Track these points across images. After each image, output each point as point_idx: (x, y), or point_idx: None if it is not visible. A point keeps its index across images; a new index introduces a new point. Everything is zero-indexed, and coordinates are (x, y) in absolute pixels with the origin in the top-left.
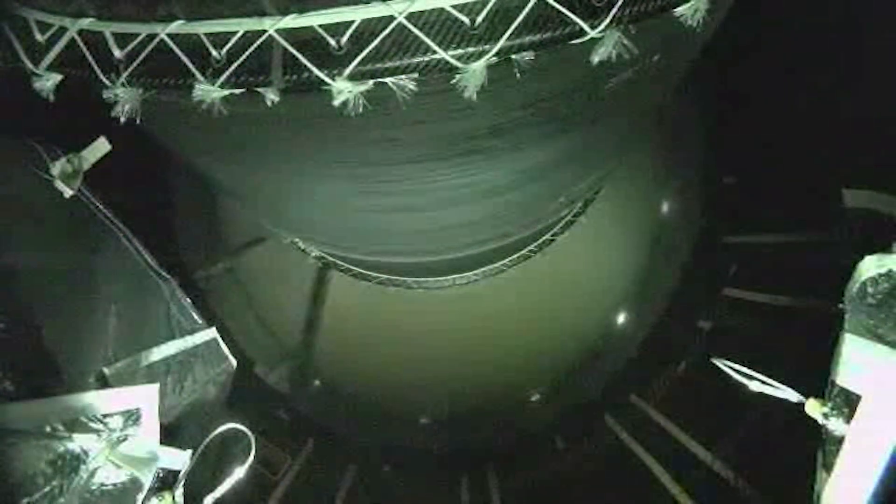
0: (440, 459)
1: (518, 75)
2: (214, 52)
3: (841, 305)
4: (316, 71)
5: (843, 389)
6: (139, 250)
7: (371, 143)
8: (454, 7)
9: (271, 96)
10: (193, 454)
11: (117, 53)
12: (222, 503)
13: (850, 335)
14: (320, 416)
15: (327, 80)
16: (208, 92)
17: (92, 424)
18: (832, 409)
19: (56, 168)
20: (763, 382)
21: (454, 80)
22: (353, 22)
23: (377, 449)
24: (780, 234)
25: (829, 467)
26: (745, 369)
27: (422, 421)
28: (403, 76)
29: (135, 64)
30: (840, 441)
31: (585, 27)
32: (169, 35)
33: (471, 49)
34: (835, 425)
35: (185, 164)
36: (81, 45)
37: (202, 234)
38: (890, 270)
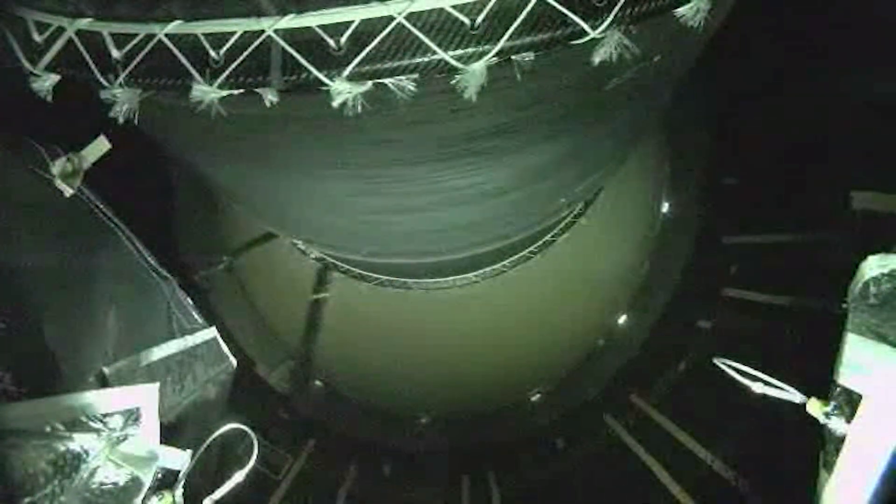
0: (440, 459)
1: (518, 76)
2: (213, 53)
3: (843, 305)
4: (315, 72)
5: (844, 389)
6: (139, 250)
7: (370, 144)
8: (454, 7)
9: (270, 97)
10: (194, 454)
11: (115, 54)
12: (224, 503)
13: (852, 335)
14: (320, 416)
15: (326, 80)
16: (206, 93)
17: (92, 424)
18: (833, 408)
19: (56, 167)
20: (764, 382)
21: (454, 81)
22: (352, 22)
23: (377, 449)
24: (780, 234)
25: (829, 467)
26: (746, 369)
27: (422, 421)
28: (403, 77)
29: (133, 64)
30: (841, 441)
31: (586, 28)
32: (167, 35)
33: (471, 49)
34: (836, 425)
35: (184, 165)
36: (79, 45)
37: (202, 233)
38: (892, 270)
